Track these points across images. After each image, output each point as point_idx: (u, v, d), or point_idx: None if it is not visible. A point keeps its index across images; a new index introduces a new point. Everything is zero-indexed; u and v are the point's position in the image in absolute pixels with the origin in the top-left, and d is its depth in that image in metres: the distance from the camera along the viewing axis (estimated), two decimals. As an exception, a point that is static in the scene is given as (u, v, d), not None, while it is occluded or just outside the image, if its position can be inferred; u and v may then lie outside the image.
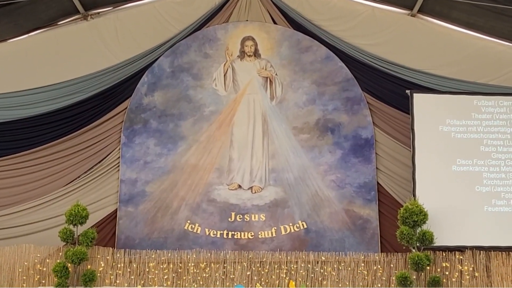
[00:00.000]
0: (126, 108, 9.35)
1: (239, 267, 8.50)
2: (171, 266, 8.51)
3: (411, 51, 9.45)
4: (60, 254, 8.44)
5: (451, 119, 8.88)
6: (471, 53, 9.41)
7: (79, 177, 9.16)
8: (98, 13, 9.70)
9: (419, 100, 8.92)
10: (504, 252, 8.40)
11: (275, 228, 8.91)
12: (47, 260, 8.48)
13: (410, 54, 9.43)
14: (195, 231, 8.89)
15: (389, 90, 9.38)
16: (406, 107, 8.96)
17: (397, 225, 8.30)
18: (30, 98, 9.30)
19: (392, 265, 8.51)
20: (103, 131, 9.30)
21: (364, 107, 9.34)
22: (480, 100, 8.97)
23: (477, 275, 8.27)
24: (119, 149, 9.25)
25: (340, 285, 8.38)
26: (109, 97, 9.40)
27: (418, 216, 8.09)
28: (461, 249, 8.44)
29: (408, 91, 8.96)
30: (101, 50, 9.47)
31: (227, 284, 8.42)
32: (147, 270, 8.48)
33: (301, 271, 8.46)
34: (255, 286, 8.32)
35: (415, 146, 8.76)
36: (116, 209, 9.05)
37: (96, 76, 9.38)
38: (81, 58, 9.45)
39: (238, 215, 8.96)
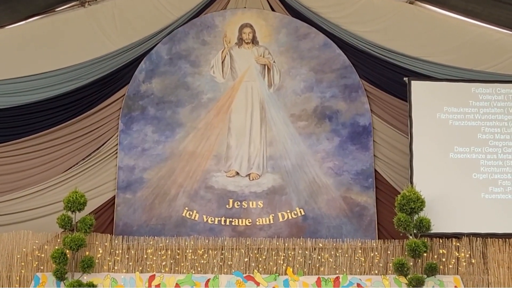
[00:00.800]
0: (124, 95, 9.34)
1: (236, 253, 8.52)
2: (169, 252, 8.52)
3: (409, 38, 9.44)
4: (59, 240, 8.45)
5: (448, 107, 8.89)
6: (469, 40, 9.40)
7: (77, 164, 9.15)
8: (96, -1, 9.68)
9: (417, 88, 8.92)
10: (500, 239, 8.44)
11: (273, 215, 8.93)
12: (45, 247, 8.50)
13: (408, 41, 9.42)
14: (193, 218, 8.91)
15: (387, 77, 9.38)
16: (403, 94, 8.96)
17: (395, 212, 8.32)
18: (28, 84, 9.27)
19: (389, 252, 8.54)
20: (101, 118, 9.30)
21: (362, 94, 9.35)
22: (477, 88, 8.98)
23: (473, 261, 8.31)
24: (117, 136, 9.24)
25: (337, 272, 8.40)
26: (106, 84, 9.39)
27: (415, 203, 8.11)
28: (458, 236, 8.48)
29: (405, 79, 8.96)
30: (98, 36, 9.43)
31: (225, 270, 8.44)
32: (145, 256, 8.49)
33: (299, 258, 8.48)
34: (253, 273, 8.35)
35: (412, 133, 8.76)
36: (114, 195, 9.05)
37: (94, 63, 9.35)
38: (78, 45, 9.42)
39: (235, 202, 8.97)
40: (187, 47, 9.53)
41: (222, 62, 9.48)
